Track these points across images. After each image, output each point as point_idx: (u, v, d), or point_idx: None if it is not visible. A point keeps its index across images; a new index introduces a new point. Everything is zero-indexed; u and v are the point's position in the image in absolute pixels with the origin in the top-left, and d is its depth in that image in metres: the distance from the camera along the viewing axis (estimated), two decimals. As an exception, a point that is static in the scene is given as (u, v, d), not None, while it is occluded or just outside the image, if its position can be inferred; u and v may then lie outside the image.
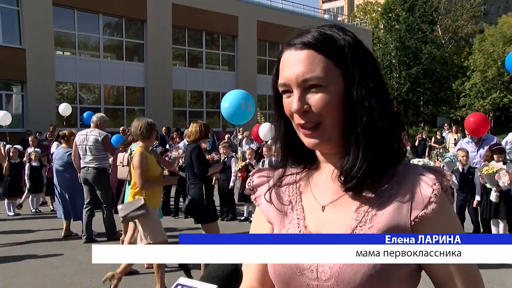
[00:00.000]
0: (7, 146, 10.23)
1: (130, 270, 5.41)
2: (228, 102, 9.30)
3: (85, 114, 14.04)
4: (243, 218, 8.86)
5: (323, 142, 1.00)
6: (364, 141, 0.97)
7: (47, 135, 14.48)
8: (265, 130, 10.21)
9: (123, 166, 5.64)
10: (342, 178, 1.00)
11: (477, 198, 6.74)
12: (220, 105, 9.13)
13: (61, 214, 7.59)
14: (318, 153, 1.09)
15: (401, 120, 1.05)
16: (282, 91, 1.02)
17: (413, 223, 0.96)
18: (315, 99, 0.97)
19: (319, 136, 0.99)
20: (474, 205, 6.79)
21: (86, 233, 7.08)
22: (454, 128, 16.19)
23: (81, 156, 7.05)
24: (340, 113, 0.98)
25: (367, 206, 0.99)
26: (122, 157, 5.76)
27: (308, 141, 1.01)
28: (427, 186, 0.96)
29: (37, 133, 15.00)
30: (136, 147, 5.06)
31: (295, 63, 0.98)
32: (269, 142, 9.29)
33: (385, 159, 0.98)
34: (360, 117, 0.97)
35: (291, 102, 0.99)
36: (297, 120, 1.00)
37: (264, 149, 8.94)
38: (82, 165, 7.06)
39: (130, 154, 5.53)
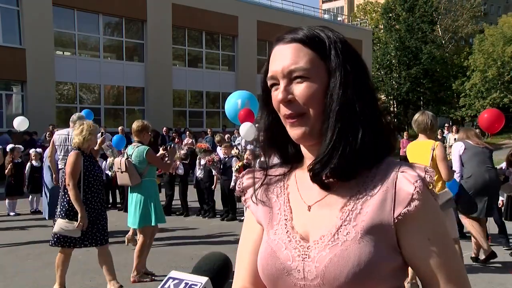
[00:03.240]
0: (10, 146, 10.23)
1: (145, 272, 5.41)
2: (228, 103, 9.32)
3: (84, 112, 13.54)
4: (243, 218, 8.86)
5: (308, 134, 1.02)
6: (334, 130, 0.99)
7: (46, 135, 14.43)
8: (245, 129, 8.94)
9: (121, 172, 5.37)
10: (310, 166, 1.02)
11: (501, 198, 6.57)
12: (221, 106, 9.13)
13: (46, 214, 7.51)
14: (303, 149, 1.09)
15: (389, 119, 1.06)
16: (270, 85, 1.05)
17: (396, 220, 0.97)
18: (299, 89, 1.00)
19: (303, 124, 1.01)
20: (500, 205, 6.60)
21: None
22: (454, 128, 16.19)
23: (60, 157, 6.82)
24: (323, 105, 1.01)
25: (351, 205, 1.00)
26: (118, 162, 5.46)
27: (294, 132, 1.03)
28: (409, 183, 0.97)
29: (33, 133, 14.94)
30: None
31: (282, 56, 1.02)
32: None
33: (358, 153, 0.99)
34: (334, 107, 0.99)
35: (277, 94, 1.02)
36: (283, 111, 1.02)
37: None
38: (61, 166, 6.81)
39: (127, 158, 5.45)
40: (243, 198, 1.19)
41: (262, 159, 1.14)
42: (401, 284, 1.02)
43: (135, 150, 5.45)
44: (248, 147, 11.56)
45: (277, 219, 1.08)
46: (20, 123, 12.43)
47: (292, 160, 1.13)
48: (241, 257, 1.17)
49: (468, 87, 35.07)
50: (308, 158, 1.08)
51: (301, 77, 1.00)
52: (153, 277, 5.30)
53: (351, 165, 0.99)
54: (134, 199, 5.38)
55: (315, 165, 1.01)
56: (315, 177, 1.02)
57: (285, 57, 1.01)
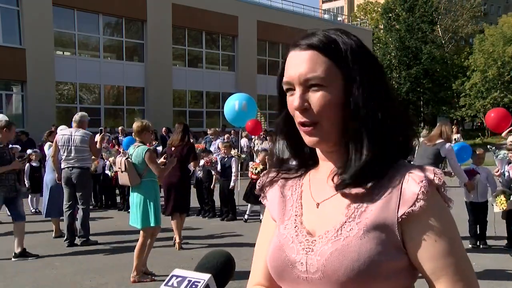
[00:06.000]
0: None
1: (145, 272, 5.41)
2: (227, 105, 9.43)
3: None
4: (242, 218, 8.84)
5: (322, 141, 1.04)
6: (360, 142, 1.01)
7: (45, 135, 14.36)
8: None
9: (121, 171, 5.38)
10: (335, 179, 1.04)
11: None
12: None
13: (46, 213, 7.55)
14: (318, 152, 1.12)
15: (409, 121, 1.08)
16: (286, 90, 1.06)
17: (400, 219, 0.98)
18: (315, 97, 1.01)
19: (317, 134, 1.03)
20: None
21: (69, 237, 6.90)
22: (454, 128, 16.16)
23: (63, 157, 6.87)
24: (339, 114, 1.01)
25: (357, 203, 1.02)
26: (119, 162, 5.47)
27: (308, 139, 1.05)
28: (415, 184, 0.98)
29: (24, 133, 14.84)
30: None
31: (298, 63, 1.02)
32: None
33: (382, 160, 1.01)
34: (358, 118, 1.00)
35: (293, 100, 1.03)
36: (298, 118, 1.04)
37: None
38: (64, 165, 6.89)
39: (127, 158, 5.46)
40: (262, 195, 1.22)
41: (278, 158, 1.19)
42: (409, 285, 1.02)
43: (135, 150, 5.46)
44: (260, 147, 11.53)
45: (288, 215, 1.12)
46: None
47: (308, 159, 1.16)
48: (258, 253, 1.20)
49: (468, 87, 35.09)
50: (323, 159, 1.11)
51: (317, 85, 1.00)
52: (153, 277, 5.30)
53: (376, 174, 1.00)
54: (134, 199, 5.39)
55: (344, 179, 1.02)
56: (342, 188, 1.03)
57: (301, 64, 1.01)
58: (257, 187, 1.23)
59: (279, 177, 1.19)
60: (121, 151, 10.17)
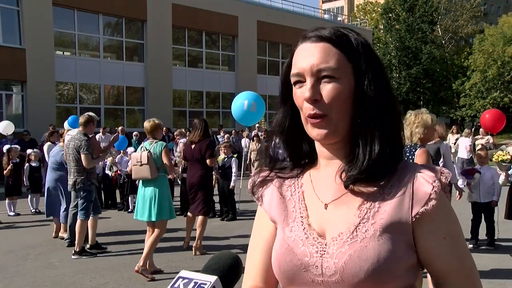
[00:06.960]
0: (7, 146, 10.20)
1: (154, 270, 5.44)
2: (234, 104, 9.44)
3: (69, 118, 13.22)
4: (245, 218, 8.83)
5: (330, 134, 1.02)
6: (371, 137, 1.01)
7: (46, 135, 14.35)
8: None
9: (141, 165, 5.52)
10: (344, 176, 1.03)
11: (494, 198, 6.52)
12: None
13: (47, 213, 7.58)
14: (320, 150, 1.09)
15: (401, 120, 1.10)
16: (294, 82, 1.04)
17: (414, 219, 0.99)
18: (327, 89, 1.00)
19: (326, 127, 1.01)
20: (492, 205, 6.50)
21: (70, 236, 6.87)
22: (454, 128, 16.16)
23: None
24: (348, 107, 1.01)
25: (369, 203, 1.01)
26: (140, 155, 5.59)
27: (316, 132, 1.02)
28: (427, 183, 0.99)
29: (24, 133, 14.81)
30: None
31: (310, 54, 1.01)
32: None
33: (391, 156, 1.02)
34: (371, 113, 1.00)
35: (302, 91, 1.02)
36: (307, 109, 1.01)
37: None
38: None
39: (149, 151, 5.57)
40: (255, 196, 1.18)
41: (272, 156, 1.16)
42: (413, 282, 1.02)
43: (153, 146, 5.65)
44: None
45: (292, 216, 1.09)
46: (6, 127, 12.42)
47: (304, 159, 1.14)
48: (253, 254, 1.17)
49: (468, 87, 35.12)
50: (323, 157, 1.09)
51: (329, 76, 1.00)
52: (153, 278, 5.29)
53: (385, 169, 1.01)
54: (147, 193, 5.53)
55: (353, 174, 1.01)
56: (350, 183, 1.01)
57: (313, 55, 1.01)
58: (248, 186, 1.20)
59: (272, 176, 1.16)
60: (121, 151, 10.18)
